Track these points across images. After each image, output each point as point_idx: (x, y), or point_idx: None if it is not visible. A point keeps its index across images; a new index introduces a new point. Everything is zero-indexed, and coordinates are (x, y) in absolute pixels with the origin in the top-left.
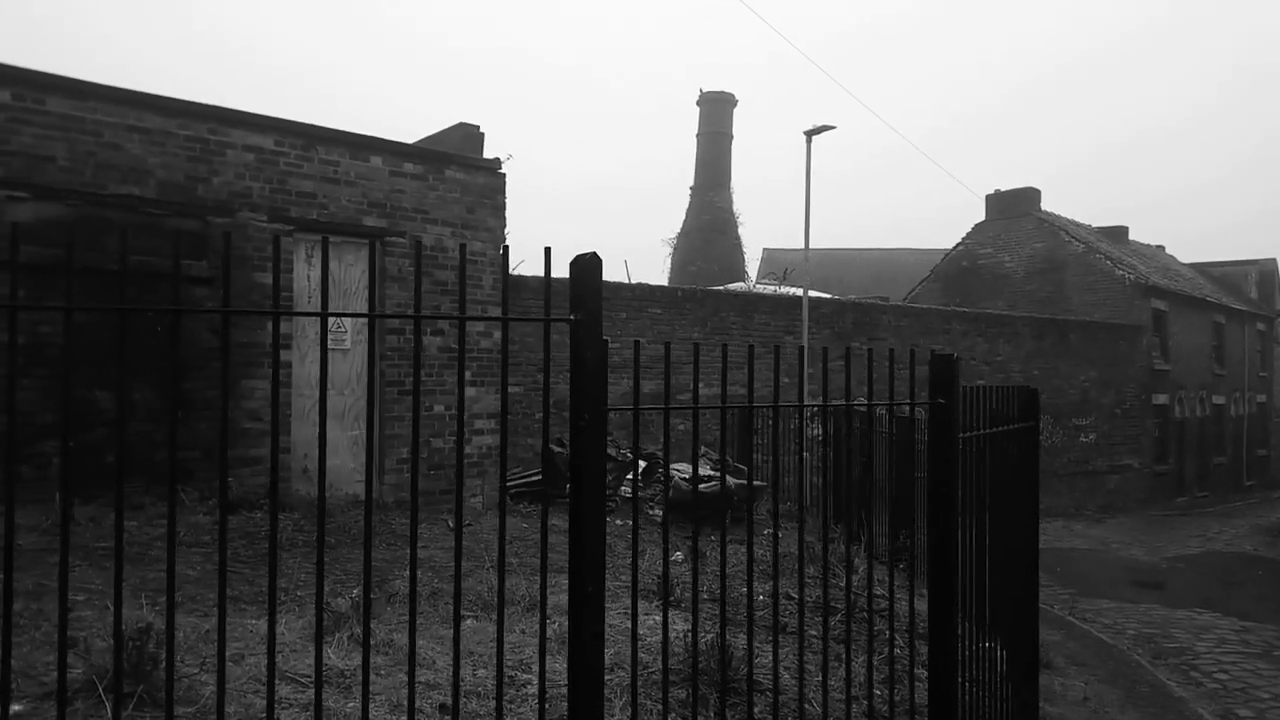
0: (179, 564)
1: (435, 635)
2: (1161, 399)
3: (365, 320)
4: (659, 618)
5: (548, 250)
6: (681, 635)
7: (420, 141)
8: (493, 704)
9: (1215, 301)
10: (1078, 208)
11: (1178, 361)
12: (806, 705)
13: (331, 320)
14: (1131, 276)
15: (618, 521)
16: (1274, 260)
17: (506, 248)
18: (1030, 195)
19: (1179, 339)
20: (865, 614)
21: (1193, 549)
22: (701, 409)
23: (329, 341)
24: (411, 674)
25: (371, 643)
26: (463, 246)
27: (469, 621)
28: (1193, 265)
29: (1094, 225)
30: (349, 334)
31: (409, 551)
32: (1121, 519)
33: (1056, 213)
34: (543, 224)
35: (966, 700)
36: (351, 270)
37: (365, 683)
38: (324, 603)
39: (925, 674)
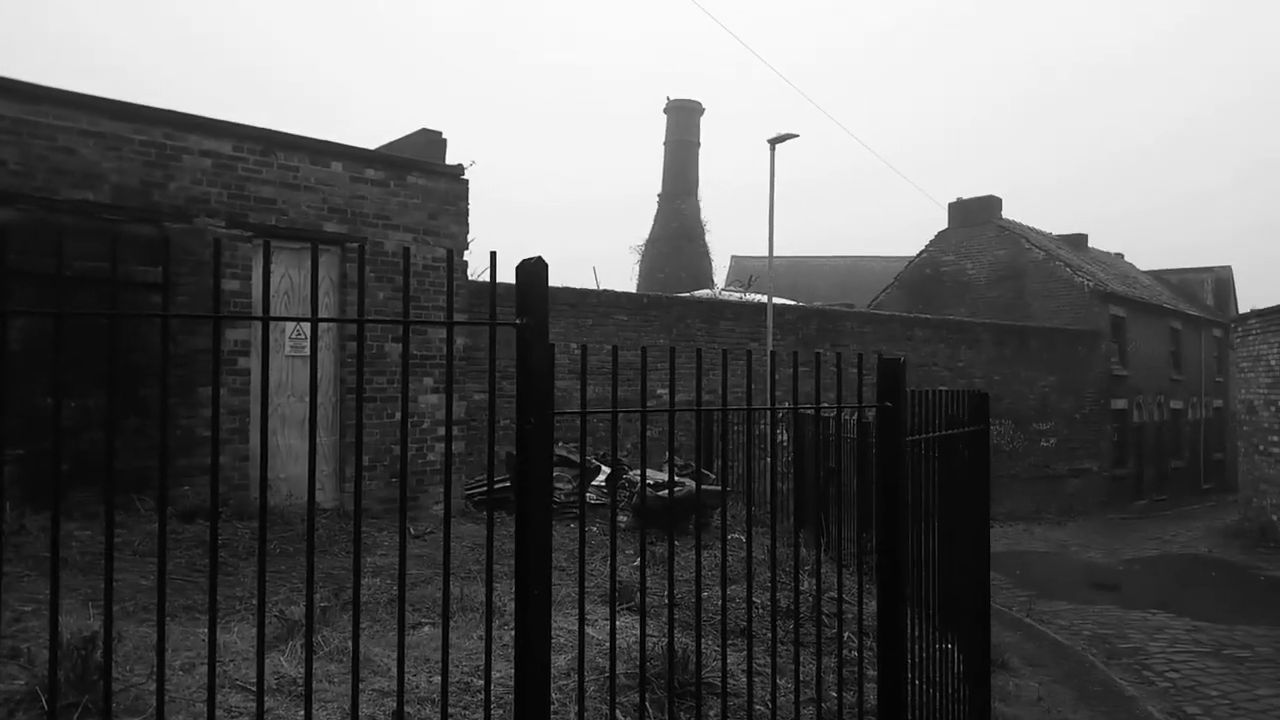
0: (133, 573)
1: (391, 642)
2: (1120, 404)
3: (329, 326)
4: (623, 621)
5: (493, 255)
6: (645, 641)
7: (382, 147)
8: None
9: (1172, 308)
10: (1039, 219)
11: (1136, 367)
12: (758, 707)
13: (292, 327)
14: (1090, 283)
15: (593, 528)
16: (1229, 268)
17: (450, 252)
18: (992, 204)
19: (1137, 345)
20: (821, 616)
21: (1149, 551)
22: (651, 412)
23: (288, 348)
24: (355, 679)
25: (326, 650)
26: (406, 250)
27: (425, 628)
28: (1151, 273)
29: (1054, 233)
30: (309, 340)
31: (368, 558)
32: (1081, 522)
33: (1017, 220)
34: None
35: (919, 700)
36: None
37: (308, 691)
38: (280, 611)
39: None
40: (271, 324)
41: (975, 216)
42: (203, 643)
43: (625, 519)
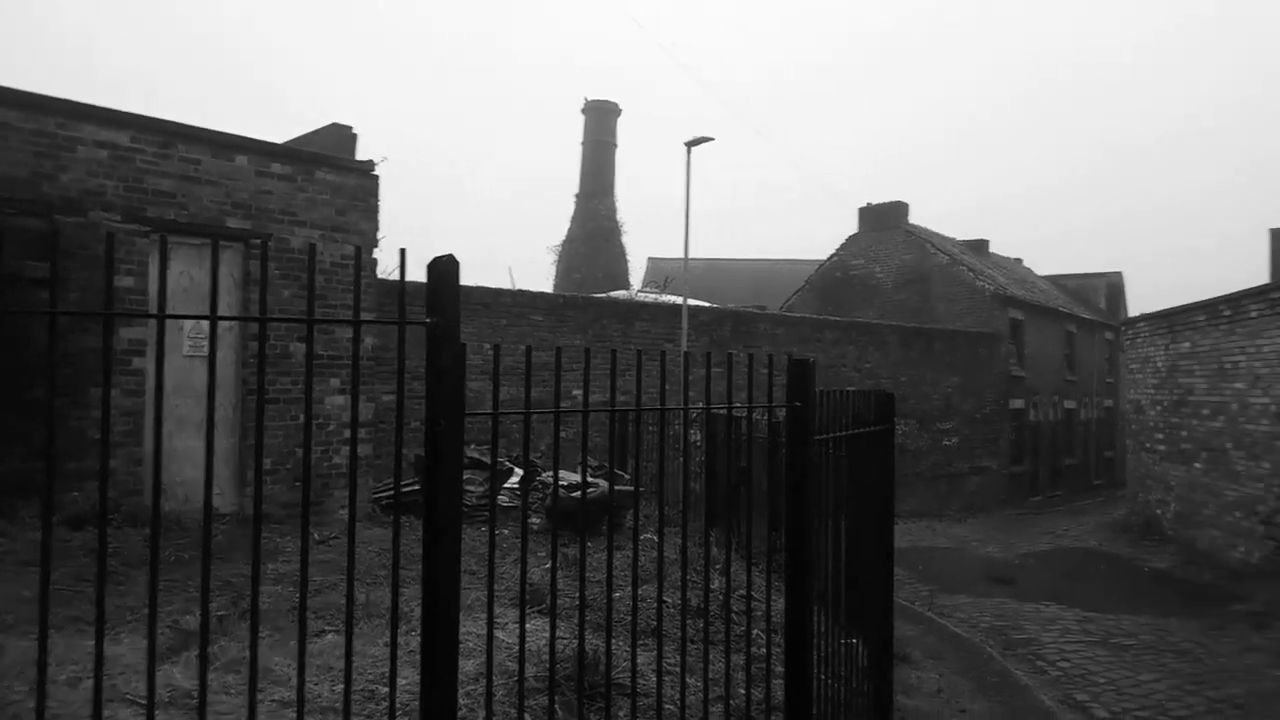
0: (15, 584)
1: (293, 651)
2: (1018, 404)
3: (231, 326)
4: (535, 624)
5: (403, 252)
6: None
7: (290, 142)
8: None
9: (1068, 312)
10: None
11: (1033, 368)
12: (668, 706)
13: (191, 325)
14: (991, 288)
15: (504, 531)
16: (1120, 274)
17: (358, 249)
18: (899, 209)
19: (1034, 347)
20: (731, 614)
21: (1044, 546)
22: (565, 413)
23: (187, 348)
24: (252, 689)
25: (223, 661)
26: (312, 247)
27: (329, 636)
28: (1048, 277)
29: (958, 239)
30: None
31: (270, 565)
32: (981, 518)
33: (924, 226)
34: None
35: (825, 694)
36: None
37: (202, 703)
38: (175, 621)
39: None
40: (169, 323)
41: (884, 221)
42: (89, 655)
43: (538, 521)
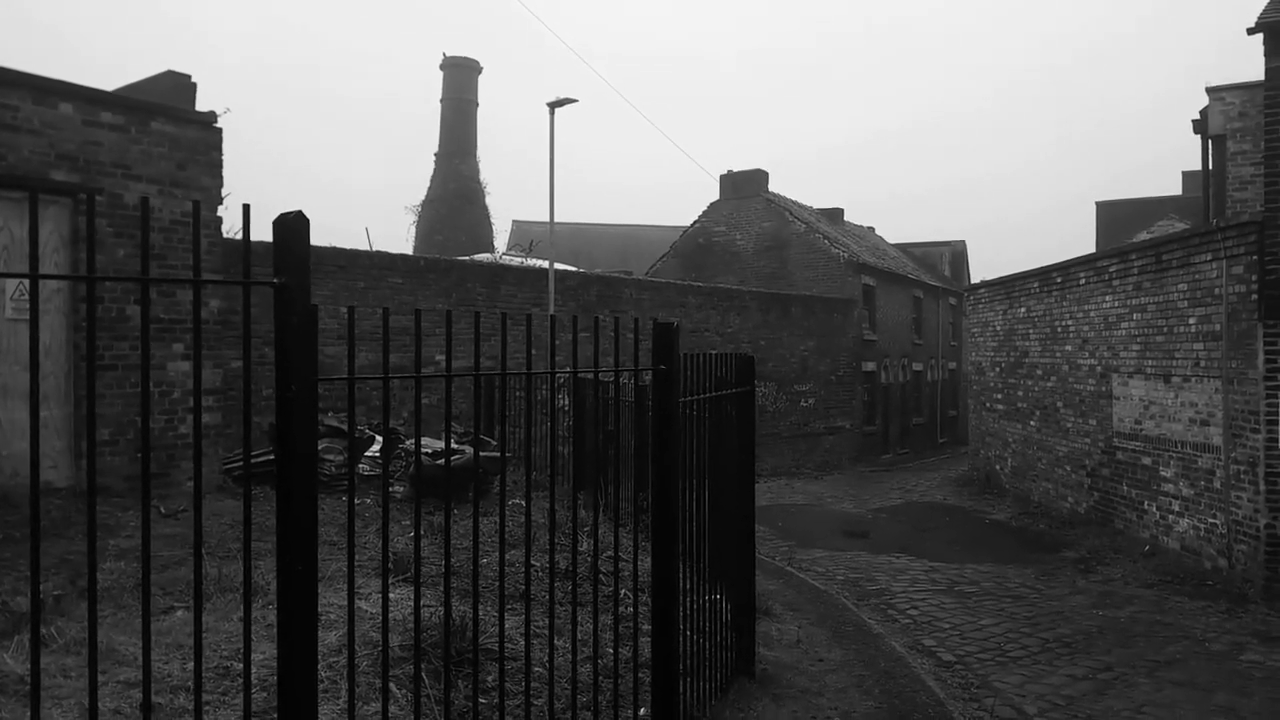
0: None
1: (140, 630)
2: (870, 366)
3: (59, 287)
4: (400, 594)
5: (246, 208)
6: (424, 612)
7: (122, 89)
8: (203, 698)
9: (915, 278)
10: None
11: (884, 332)
12: (536, 668)
13: (13, 286)
14: (845, 255)
15: (367, 500)
16: (964, 242)
17: (197, 204)
18: (759, 177)
19: (885, 312)
20: (599, 576)
21: (894, 500)
22: (426, 378)
23: (10, 310)
24: (92, 670)
25: (61, 643)
26: (144, 200)
27: (179, 612)
28: (898, 245)
29: (815, 207)
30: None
31: (111, 541)
32: (836, 476)
33: (783, 194)
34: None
35: (690, 650)
36: (39, 229)
37: (35, 686)
38: (3, 603)
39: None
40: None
41: (744, 189)
42: None
43: (402, 489)
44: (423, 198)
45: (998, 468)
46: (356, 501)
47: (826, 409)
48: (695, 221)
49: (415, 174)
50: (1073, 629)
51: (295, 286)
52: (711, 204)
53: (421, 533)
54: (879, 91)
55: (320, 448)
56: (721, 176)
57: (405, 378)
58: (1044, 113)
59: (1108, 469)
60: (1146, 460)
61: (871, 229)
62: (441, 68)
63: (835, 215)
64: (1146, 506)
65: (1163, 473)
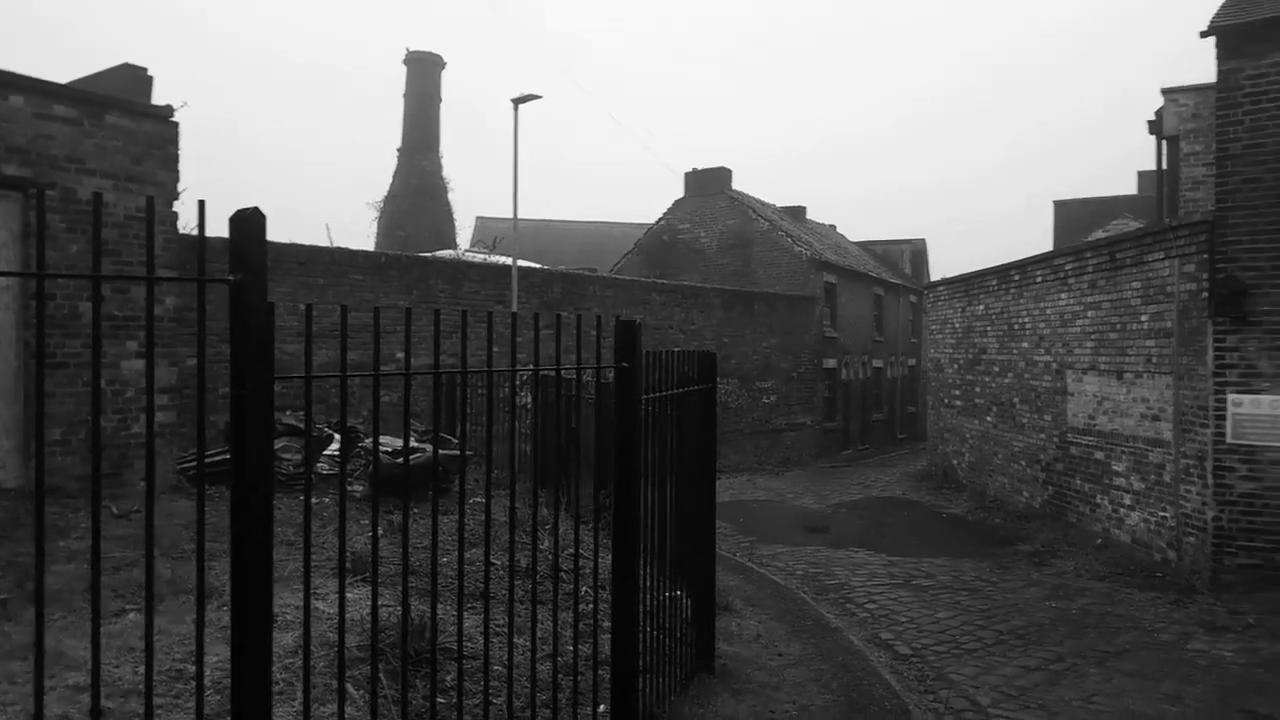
0: None
1: (90, 633)
2: (831, 363)
3: (8, 284)
4: (358, 594)
5: (201, 204)
6: (383, 612)
7: (76, 83)
8: (155, 701)
9: (876, 276)
10: (765, 190)
11: (845, 329)
12: (496, 667)
13: None
14: (808, 253)
15: (325, 499)
16: (924, 241)
17: (151, 199)
18: (723, 175)
19: (846, 309)
20: (561, 574)
21: (854, 496)
22: (384, 376)
23: None
24: (38, 674)
25: (8, 647)
26: (97, 195)
27: (131, 615)
28: (859, 243)
29: (778, 205)
30: None
31: (61, 542)
32: (797, 472)
33: (746, 192)
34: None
35: (651, 646)
36: None
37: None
38: None
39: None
40: None
41: (708, 187)
42: None
43: (361, 488)
44: (385, 193)
45: (955, 463)
46: (314, 501)
47: (788, 405)
48: (660, 219)
49: (381, 167)
50: (1026, 621)
51: (252, 283)
52: (676, 201)
53: (380, 532)
54: (844, 91)
55: (277, 446)
56: (686, 174)
57: (363, 376)
58: (1005, 113)
59: (1062, 464)
60: (1099, 455)
61: (833, 227)
62: (405, 62)
63: (798, 213)
64: (1099, 500)
65: (1115, 467)
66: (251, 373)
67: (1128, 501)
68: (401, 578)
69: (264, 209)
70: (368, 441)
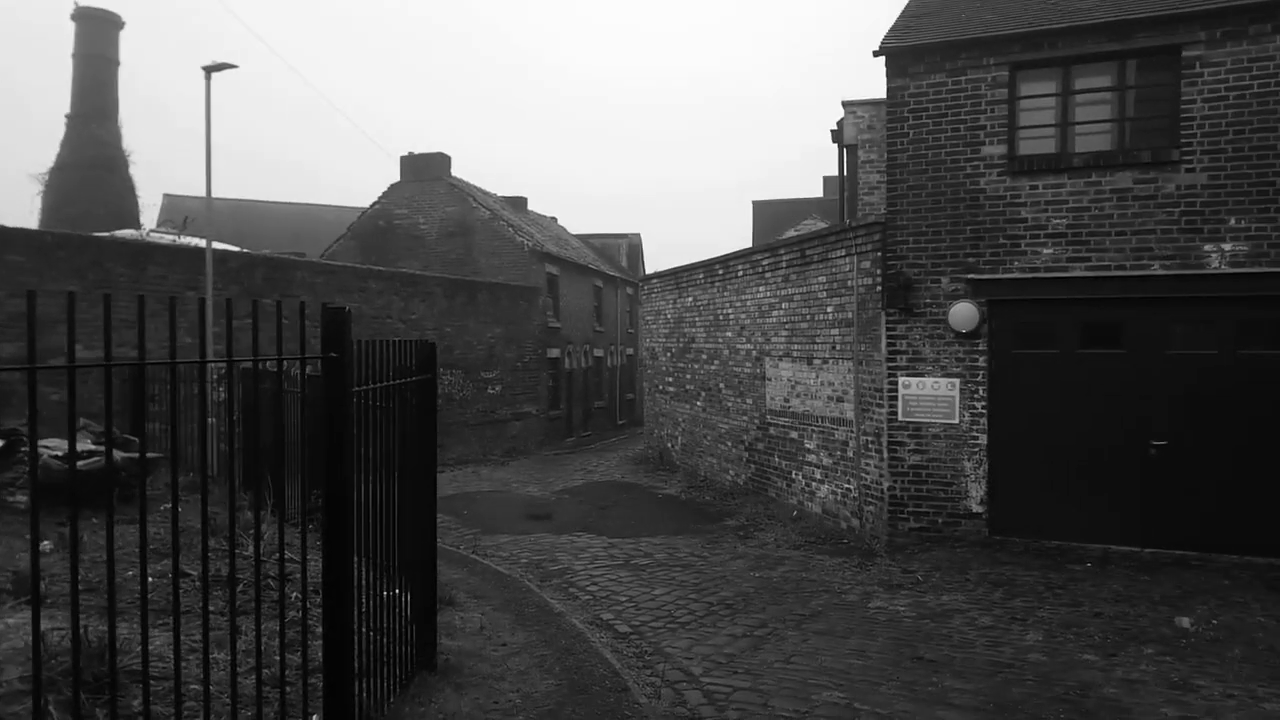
0: None
1: None
2: (554, 353)
3: None
4: (14, 620)
5: None
6: (54, 636)
7: None
8: None
9: (596, 268)
10: (487, 180)
11: (567, 320)
12: (193, 686)
13: None
14: (530, 243)
15: None
16: (639, 235)
17: None
18: (441, 160)
19: (568, 300)
20: (266, 580)
21: (577, 481)
22: (43, 370)
23: None
24: None
25: None
26: None
27: None
28: (579, 236)
29: (499, 194)
30: None
31: None
32: (523, 461)
33: (466, 179)
34: None
35: (367, 648)
36: None
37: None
38: None
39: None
40: None
41: (426, 172)
42: None
43: (25, 498)
44: (51, 165)
45: (670, 446)
46: None
47: (513, 395)
48: (375, 203)
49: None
50: (734, 591)
51: None
52: (392, 185)
53: (50, 547)
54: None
55: None
56: (402, 158)
57: (18, 369)
58: (716, 115)
59: (762, 443)
60: (794, 434)
61: (554, 219)
62: (73, 18)
63: (519, 203)
64: (794, 476)
65: (807, 445)
66: None
67: (819, 476)
68: (71, 595)
69: None
70: (43, 445)
